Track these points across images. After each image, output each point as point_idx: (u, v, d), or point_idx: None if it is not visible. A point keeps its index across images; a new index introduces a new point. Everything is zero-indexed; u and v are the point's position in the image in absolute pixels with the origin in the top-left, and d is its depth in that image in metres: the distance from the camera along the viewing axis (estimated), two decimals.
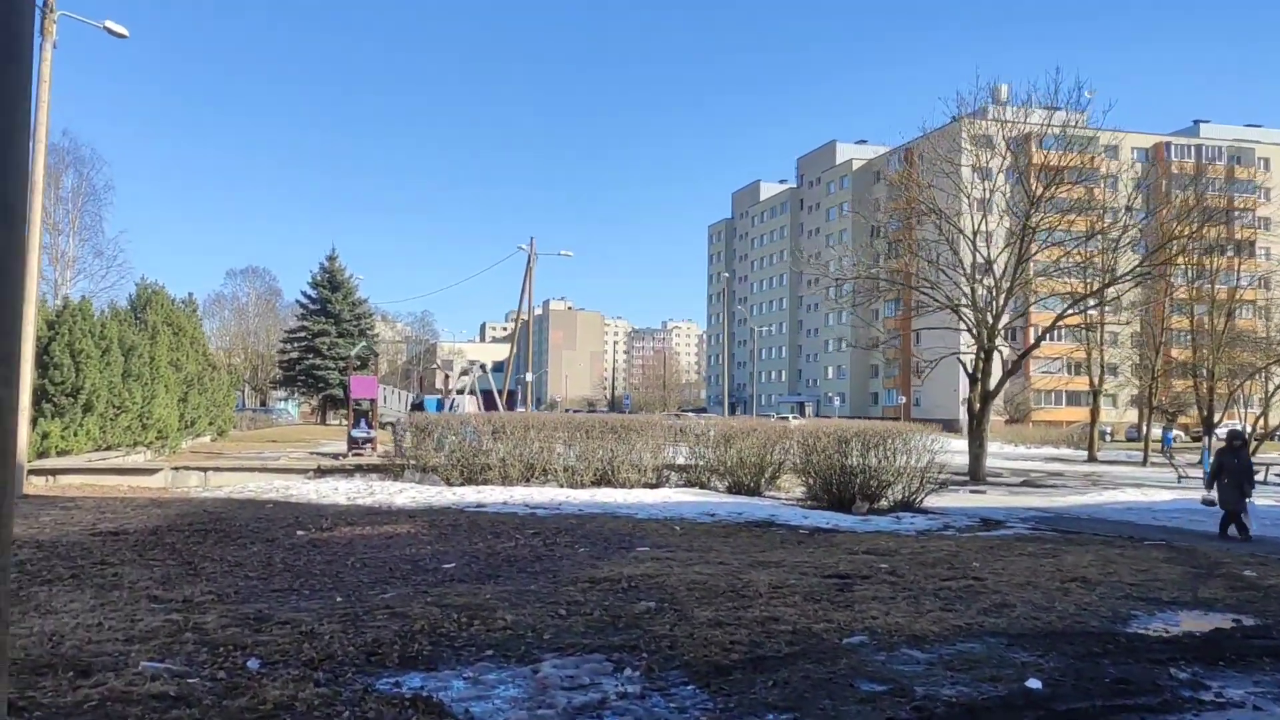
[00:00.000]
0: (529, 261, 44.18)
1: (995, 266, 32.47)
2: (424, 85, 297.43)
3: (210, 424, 37.04)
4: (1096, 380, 50.99)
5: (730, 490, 20.38)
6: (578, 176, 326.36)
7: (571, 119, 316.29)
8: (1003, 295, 32.13)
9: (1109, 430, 73.20)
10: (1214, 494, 15.10)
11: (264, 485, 19.72)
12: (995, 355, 33.07)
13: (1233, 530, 14.63)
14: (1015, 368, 33.38)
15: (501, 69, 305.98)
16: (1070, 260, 35.05)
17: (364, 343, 48.40)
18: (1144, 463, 44.97)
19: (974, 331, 33.35)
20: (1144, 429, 72.21)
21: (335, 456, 28.80)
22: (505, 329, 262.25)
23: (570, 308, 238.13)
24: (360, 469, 21.40)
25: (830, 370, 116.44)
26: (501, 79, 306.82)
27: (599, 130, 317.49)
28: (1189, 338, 51.86)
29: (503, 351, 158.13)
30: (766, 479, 20.64)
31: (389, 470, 21.24)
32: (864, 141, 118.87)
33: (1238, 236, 53.34)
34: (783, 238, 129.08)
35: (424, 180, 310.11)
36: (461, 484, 19.68)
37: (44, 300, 24.62)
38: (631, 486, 20.07)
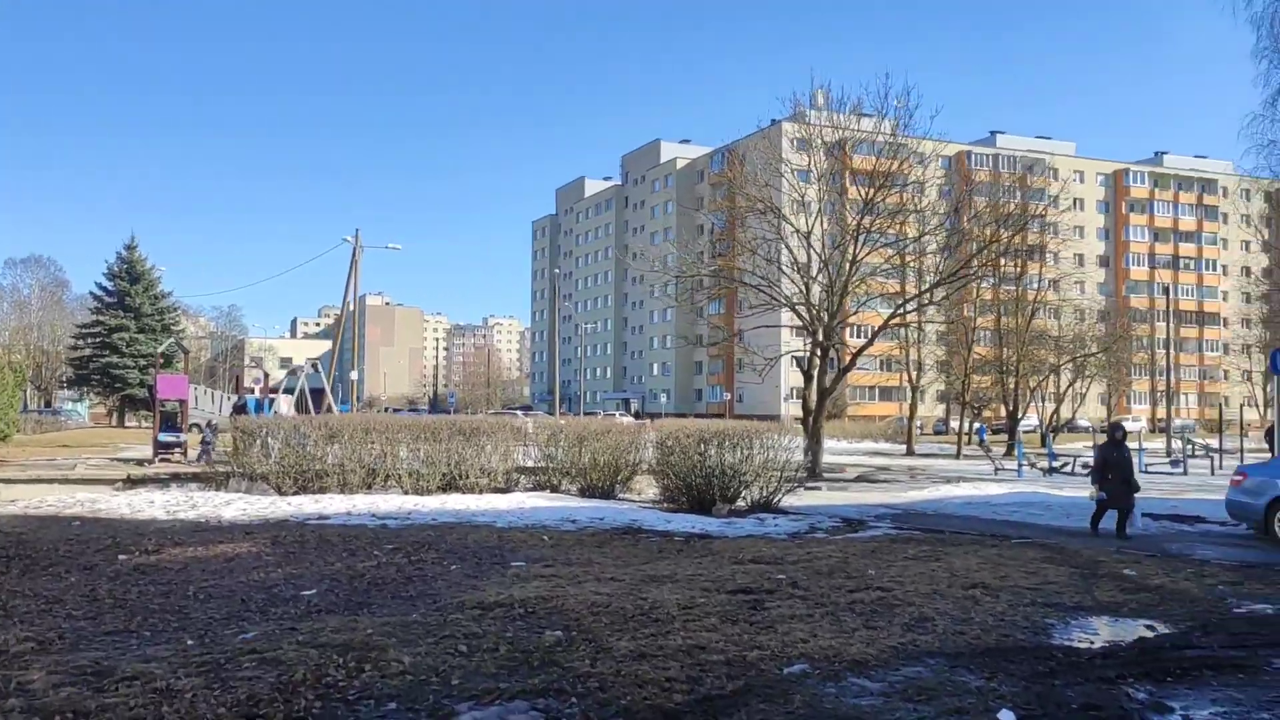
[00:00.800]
0: (354, 254, 42.10)
1: (830, 267, 33.01)
2: (226, 75, 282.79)
3: None
4: (914, 377, 52.97)
5: (583, 493, 19.69)
6: (391, 171, 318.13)
7: (387, 111, 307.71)
8: (837, 295, 32.70)
9: (920, 424, 76.64)
10: (1102, 492, 14.33)
11: (65, 499, 17.61)
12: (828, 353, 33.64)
13: (1104, 526, 14.37)
14: (851, 365, 34.10)
15: (316, 54, 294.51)
16: (894, 263, 36.10)
17: (172, 339, 44.69)
18: (958, 455, 46.95)
19: (810, 329, 33.84)
20: (951, 424, 75.73)
21: (141, 463, 26.50)
22: (319, 324, 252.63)
23: (388, 303, 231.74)
24: (177, 478, 19.56)
25: (655, 367, 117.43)
26: (316, 64, 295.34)
27: (414, 124, 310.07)
28: (991, 336, 54.57)
29: (317, 348, 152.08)
30: (620, 481, 20.07)
31: (210, 479, 19.48)
32: (688, 141, 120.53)
33: (1037, 242, 56.39)
34: (608, 235, 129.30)
35: (229, 172, 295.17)
36: (295, 493, 18.20)
37: None
38: (481, 491, 19.10)
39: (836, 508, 19.26)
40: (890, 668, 6.12)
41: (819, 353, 33.18)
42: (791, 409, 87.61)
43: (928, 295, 32.77)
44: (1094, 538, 13.95)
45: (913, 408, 53.31)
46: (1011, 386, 52.53)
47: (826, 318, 32.76)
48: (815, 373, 33.62)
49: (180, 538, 12.21)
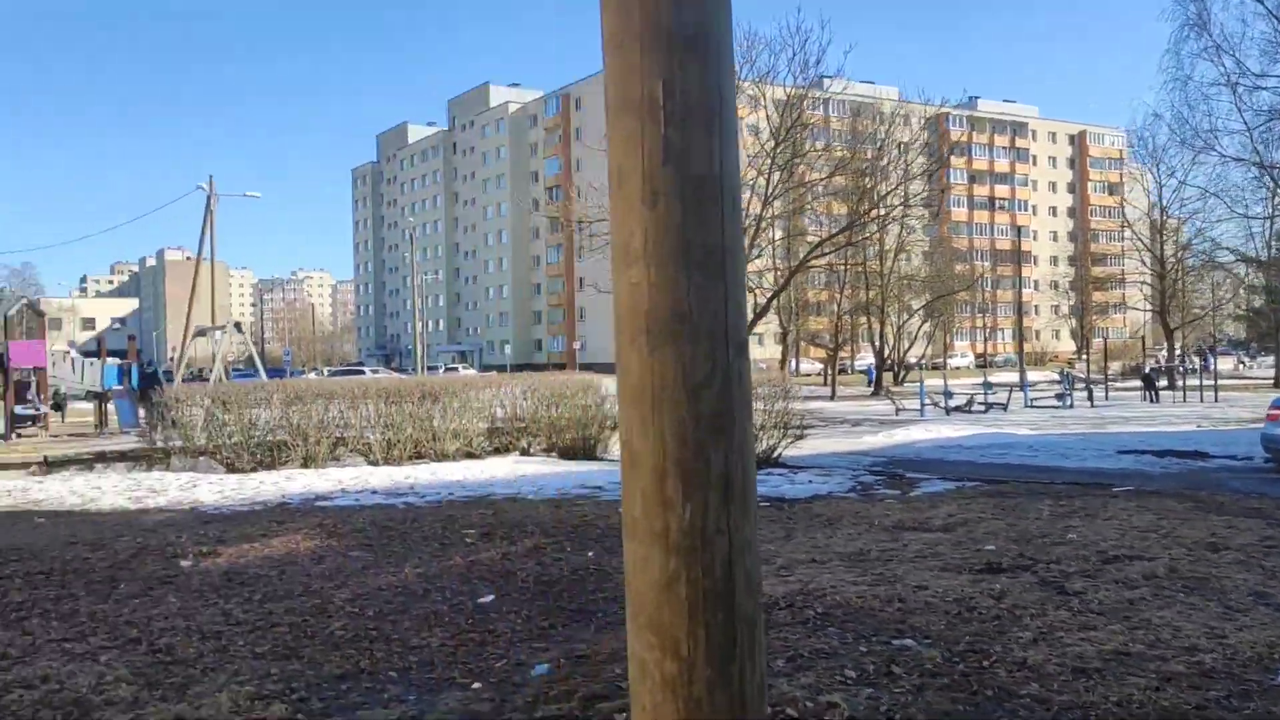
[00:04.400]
0: (209, 203, 38.35)
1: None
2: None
3: None
4: (788, 321, 53.14)
5: (562, 455, 18.31)
6: (189, 121, 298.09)
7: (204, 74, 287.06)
8: (750, 235, 31.98)
9: (765, 365, 77.88)
10: None
11: None
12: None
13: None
14: (765, 310, 33.52)
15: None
16: (802, 204, 35.73)
17: (23, 298, 38.04)
18: (833, 397, 47.60)
19: None
20: (804, 366, 77.32)
21: (3, 437, 23.29)
22: (112, 282, 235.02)
23: (189, 258, 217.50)
24: (103, 457, 16.84)
25: (492, 318, 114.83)
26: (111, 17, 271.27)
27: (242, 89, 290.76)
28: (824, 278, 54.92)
29: (115, 306, 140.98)
30: (599, 441, 18.77)
31: (141, 457, 16.91)
32: (517, 85, 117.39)
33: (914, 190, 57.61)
34: (436, 182, 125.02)
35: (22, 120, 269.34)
36: (253, 469, 16.01)
37: None
38: (454, 458, 17.43)
39: (822, 458, 18.57)
40: None
41: None
42: None
43: (855, 232, 32.48)
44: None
45: (784, 353, 53.69)
46: (878, 328, 53.66)
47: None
48: None
49: (204, 532, 10.14)
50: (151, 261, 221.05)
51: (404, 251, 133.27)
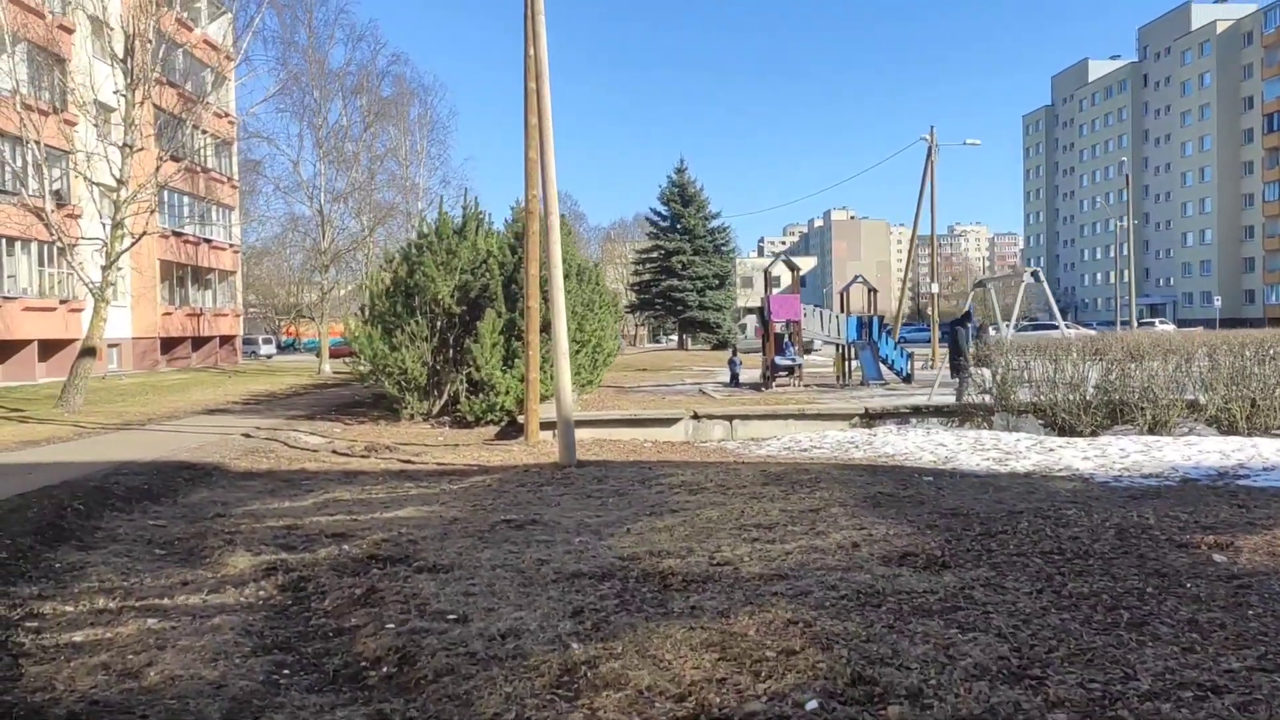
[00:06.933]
0: (929, 153, 37.89)
1: None
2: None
3: None
4: None
5: None
6: (848, 87, 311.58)
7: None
8: None
9: None
10: None
11: (815, 438, 15.07)
12: None
13: None
14: None
15: None
16: None
17: (782, 255, 42.13)
18: None
19: None
20: None
21: (758, 387, 24.56)
22: (783, 243, 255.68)
23: (853, 217, 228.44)
24: (918, 412, 16.34)
25: (1191, 266, 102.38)
26: None
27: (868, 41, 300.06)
28: None
29: (801, 265, 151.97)
30: None
31: (953, 413, 16.11)
32: (1225, 0, 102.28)
33: None
34: (1121, 120, 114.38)
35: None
36: (1093, 432, 14.25)
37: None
38: None
39: None
40: None
41: None
42: None
43: None
44: None
45: None
46: None
47: None
48: None
49: (1165, 512, 8.42)
50: (819, 223, 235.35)
51: (1080, 199, 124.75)
